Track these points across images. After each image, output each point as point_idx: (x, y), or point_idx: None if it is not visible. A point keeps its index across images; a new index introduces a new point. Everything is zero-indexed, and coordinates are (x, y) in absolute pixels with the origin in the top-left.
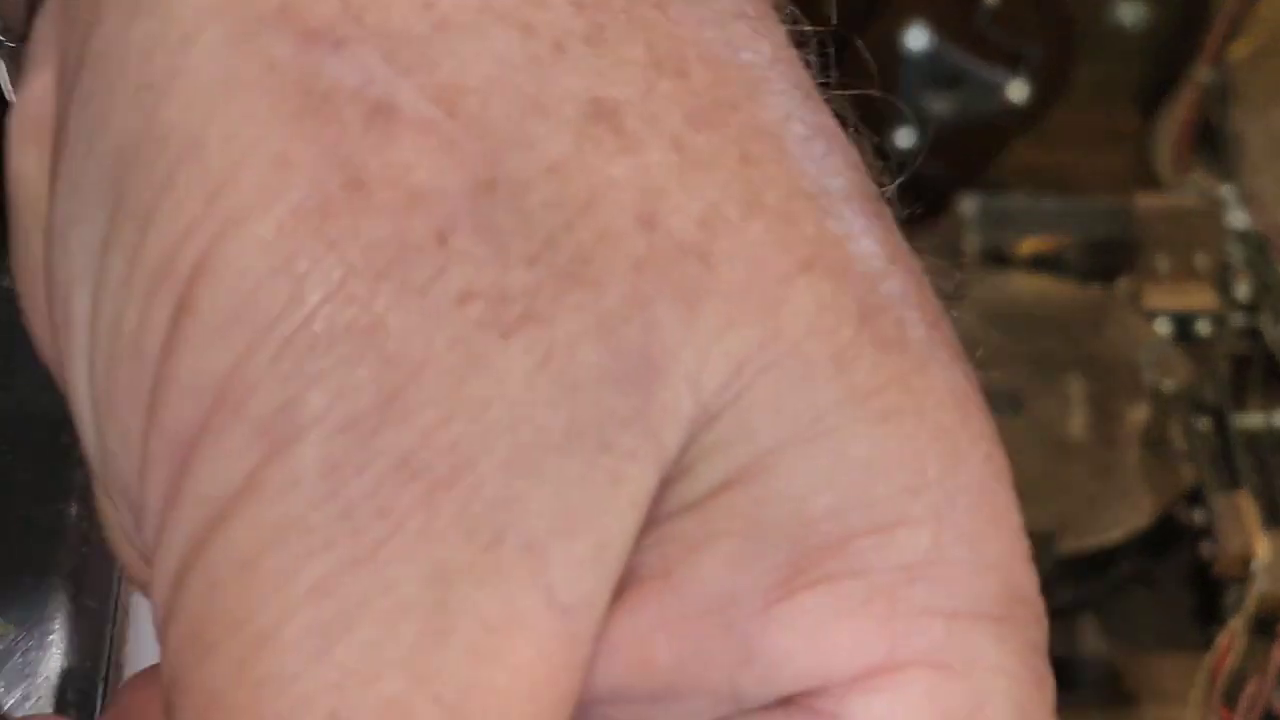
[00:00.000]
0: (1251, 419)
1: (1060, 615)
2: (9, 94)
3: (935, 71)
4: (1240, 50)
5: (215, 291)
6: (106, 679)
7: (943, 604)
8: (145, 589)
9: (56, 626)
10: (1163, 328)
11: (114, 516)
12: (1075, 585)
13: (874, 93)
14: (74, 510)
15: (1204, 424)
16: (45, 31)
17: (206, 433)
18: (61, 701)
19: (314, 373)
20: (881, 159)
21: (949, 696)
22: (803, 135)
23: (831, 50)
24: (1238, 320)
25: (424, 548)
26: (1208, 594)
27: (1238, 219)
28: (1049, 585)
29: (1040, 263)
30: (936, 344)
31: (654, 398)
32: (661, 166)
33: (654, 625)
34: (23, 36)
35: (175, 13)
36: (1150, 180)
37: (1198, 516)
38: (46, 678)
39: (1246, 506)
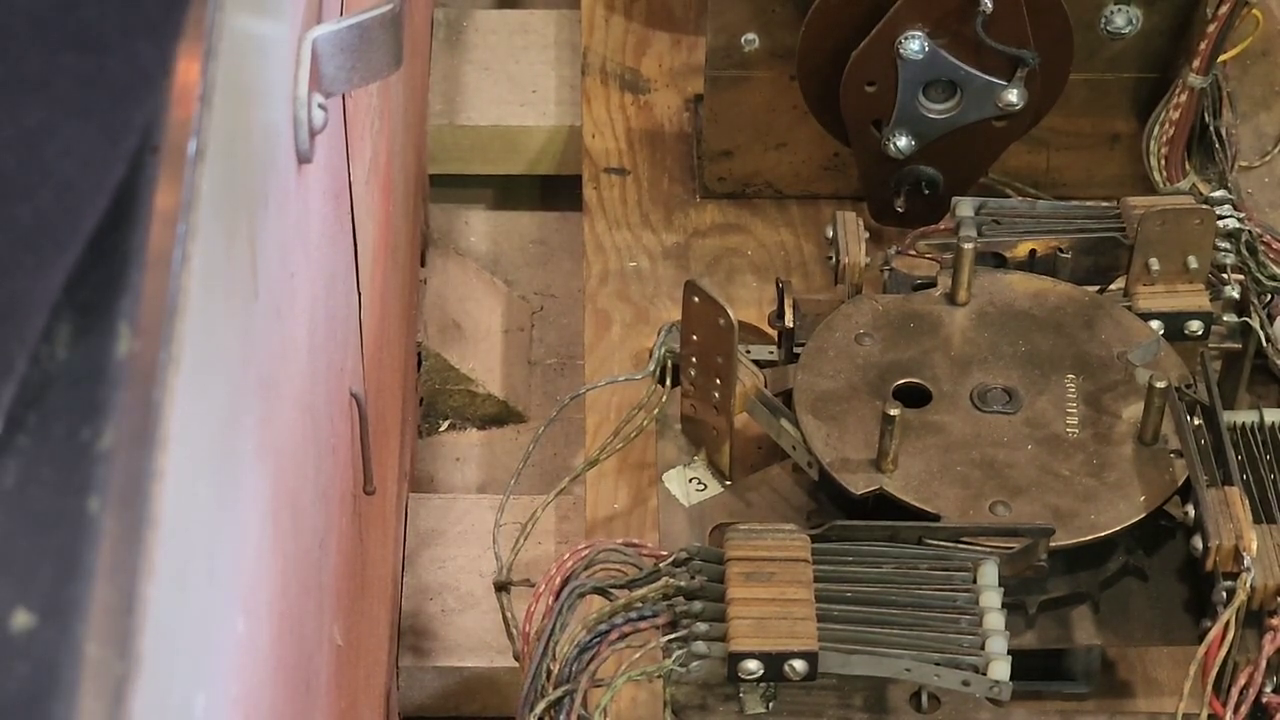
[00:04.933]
0: (1242, 416)
1: (1055, 607)
2: None
3: (933, 76)
4: (1230, 55)
5: None
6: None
7: None
8: None
9: (78, 618)
10: (1155, 327)
11: None
12: (1070, 578)
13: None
14: (95, 504)
15: (1195, 421)
16: None
17: None
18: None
19: None
20: (883, 162)
21: None
22: None
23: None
24: (1229, 319)
25: None
26: (1199, 587)
27: (1228, 220)
28: (1045, 578)
29: (1036, 264)
30: None
31: None
32: None
33: None
34: None
35: None
36: (1143, 183)
37: (1189, 511)
38: (69, 668)
39: (1237, 501)
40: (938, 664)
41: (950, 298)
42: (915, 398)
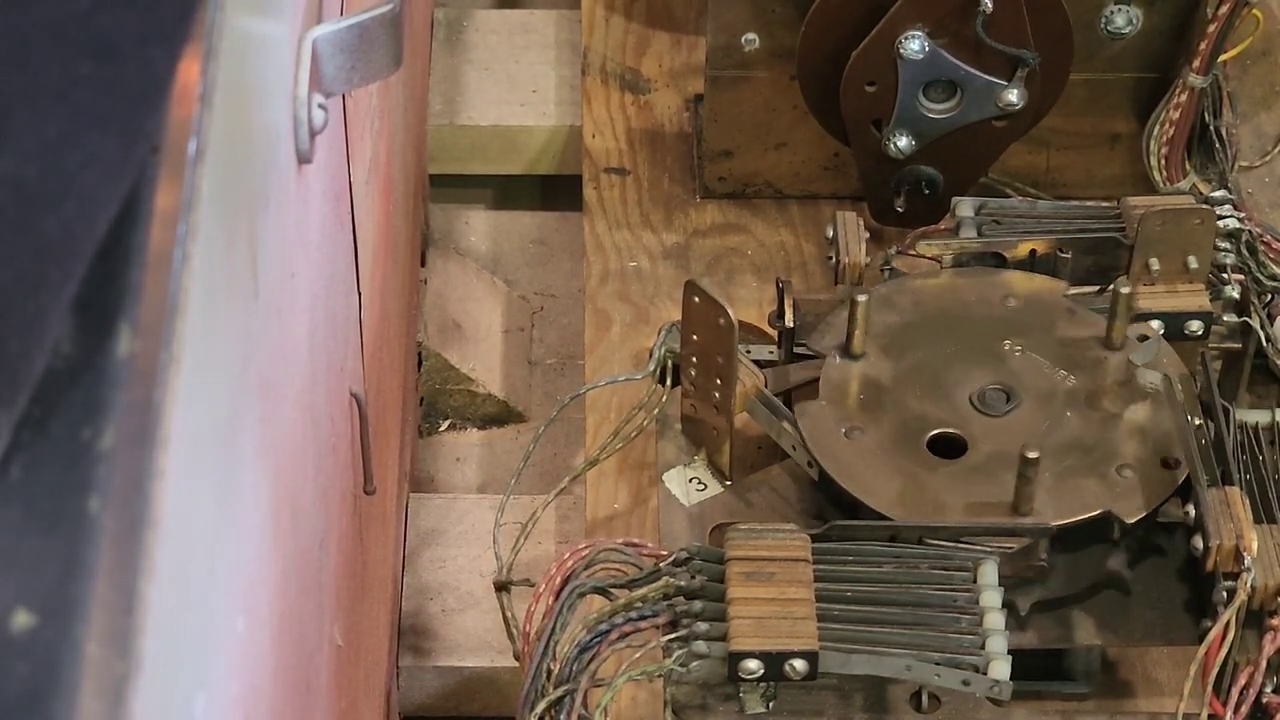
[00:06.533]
0: (1242, 415)
1: (1055, 607)
2: None
3: (933, 76)
4: (1230, 55)
5: None
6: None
7: None
8: None
9: (78, 618)
10: (1155, 327)
11: None
12: (1070, 578)
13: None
14: (95, 504)
15: (1196, 421)
16: None
17: None
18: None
19: None
20: (883, 162)
21: None
22: None
23: None
24: (1229, 319)
25: None
26: (1199, 587)
27: (1228, 220)
28: (1044, 578)
29: (1036, 264)
30: None
31: None
32: None
33: None
34: None
35: None
36: (1143, 183)
37: (1189, 511)
38: (69, 667)
39: (1237, 501)
40: (938, 664)
41: (845, 351)
42: (949, 448)
